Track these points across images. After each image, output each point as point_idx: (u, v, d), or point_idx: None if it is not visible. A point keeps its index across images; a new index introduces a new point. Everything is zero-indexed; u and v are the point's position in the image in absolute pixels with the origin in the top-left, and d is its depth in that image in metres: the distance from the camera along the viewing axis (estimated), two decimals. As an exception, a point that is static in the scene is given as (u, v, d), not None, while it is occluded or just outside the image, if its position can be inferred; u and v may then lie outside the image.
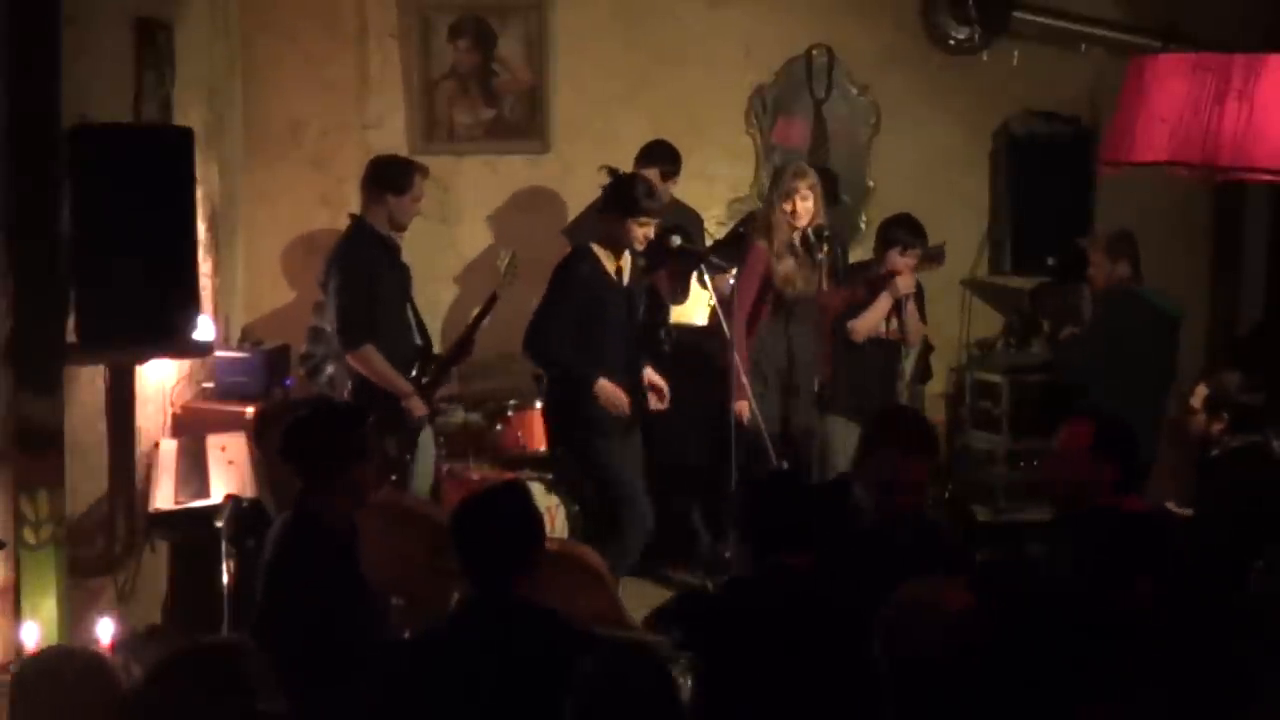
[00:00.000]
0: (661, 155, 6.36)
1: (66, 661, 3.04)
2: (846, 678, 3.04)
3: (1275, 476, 4.75)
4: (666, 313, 6.52)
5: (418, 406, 5.50)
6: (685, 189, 6.86)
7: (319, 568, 3.70)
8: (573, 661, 2.85)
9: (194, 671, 2.72)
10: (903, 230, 5.90)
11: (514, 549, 3.34)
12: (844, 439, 5.99)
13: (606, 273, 5.49)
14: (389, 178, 5.53)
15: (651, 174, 6.16)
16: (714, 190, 7.18)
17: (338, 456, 3.80)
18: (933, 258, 6.00)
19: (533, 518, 3.43)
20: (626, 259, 5.57)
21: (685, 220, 6.25)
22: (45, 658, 3.17)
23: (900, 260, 5.86)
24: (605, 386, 5.42)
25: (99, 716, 2.83)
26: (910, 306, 5.91)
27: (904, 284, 5.87)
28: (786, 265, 5.74)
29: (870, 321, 5.90)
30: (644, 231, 5.42)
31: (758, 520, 3.68)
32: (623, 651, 2.99)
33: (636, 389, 5.59)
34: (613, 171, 5.67)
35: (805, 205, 5.72)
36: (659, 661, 2.94)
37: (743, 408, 5.61)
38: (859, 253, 6.73)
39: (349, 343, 5.41)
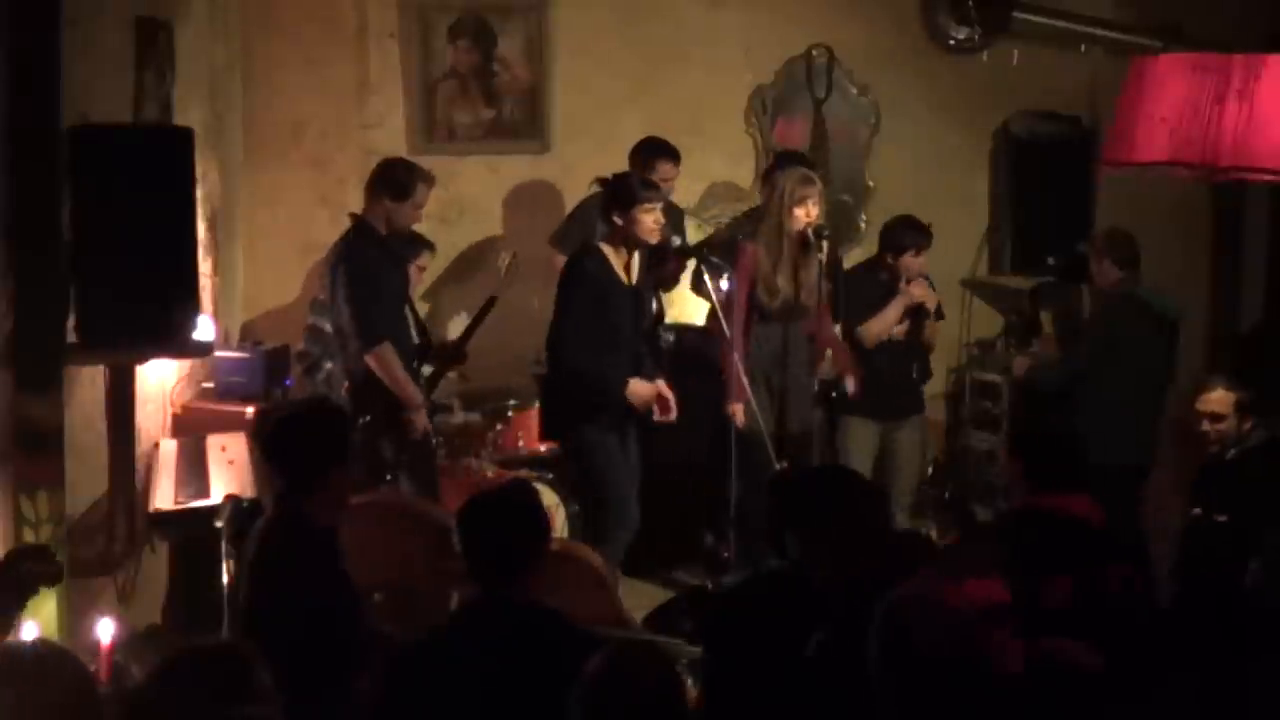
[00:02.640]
0: (659, 148, 6.33)
1: (30, 655, 3.02)
2: (856, 678, 3.02)
3: None
4: (662, 311, 6.52)
5: (422, 421, 5.46)
6: (686, 189, 6.86)
7: (300, 567, 3.69)
8: (575, 662, 2.85)
9: (195, 673, 2.71)
10: (911, 232, 5.92)
11: (520, 549, 3.34)
12: (860, 438, 5.99)
13: (614, 271, 5.48)
14: (389, 182, 5.51)
15: (666, 168, 6.15)
16: (714, 190, 7.18)
17: (317, 457, 3.80)
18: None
19: (540, 518, 3.43)
20: (635, 259, 5.56)
21: (670, 215, 6.23)
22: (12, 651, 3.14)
23: (916, 263, 5.89)
24: (636, 387, 5.41)
25: (67, 712, 2.81)
26: (931, 324, 5.99)
27: (919, 292, 5.90)
28: (781, 277, 5.71)
29: (881, 327, 5.93)
30: (652, 218, 5.40)
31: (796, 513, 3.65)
32: (629, 650, 2.99)
33: None
34: (603, 180, 5.66)
35: (814, 212, 5.70)
36: (665, 660, 2.94)
37: (736, 409, 5.60)
38: (858, 254, 6.73)
39: (367, 343, 5.36)
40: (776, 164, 6.43)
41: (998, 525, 4.36)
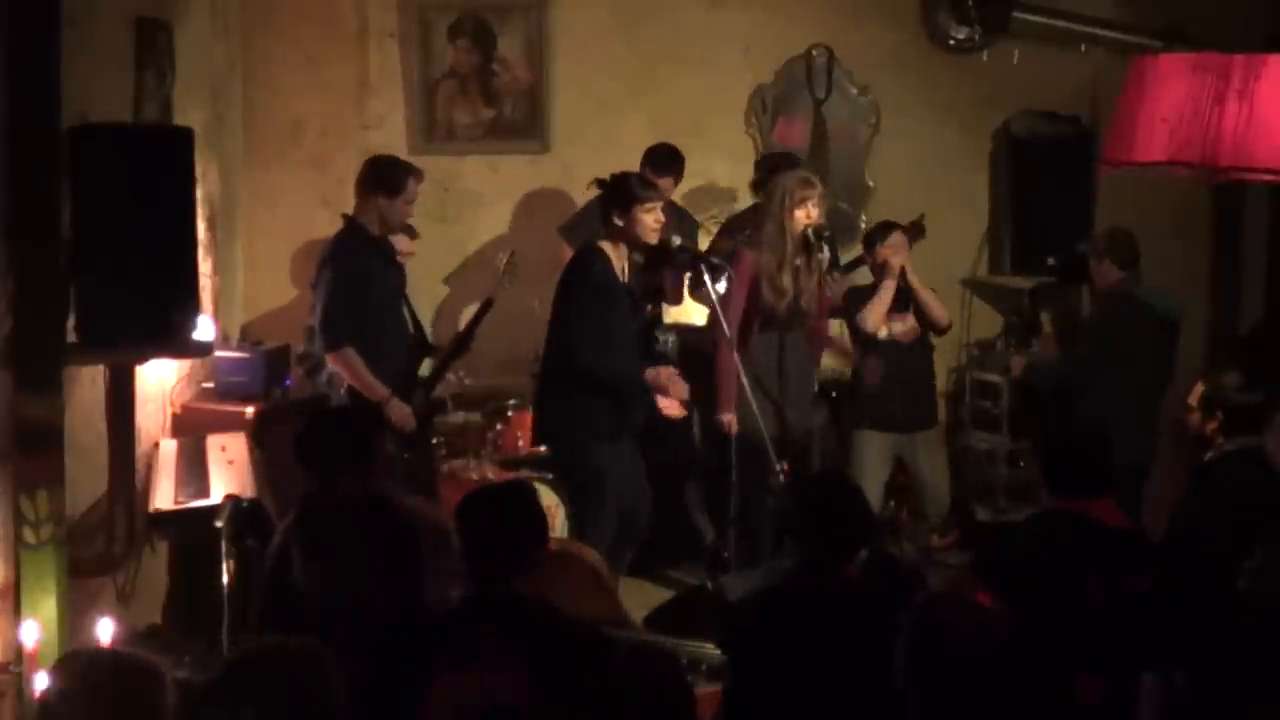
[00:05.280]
0: (668, 159, 6.34)
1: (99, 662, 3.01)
2: (885, 685, 2.99)
3: (1268, 481, 4.72)
4: (660, 314, 6.51)
5: (396, 410, 5.39)
6: (686, 189, 6.87)
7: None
8: (570, 658, 2.85)
9: (275, 674, 2.66)
10: (875, 230, 6.04)
11: (517, 547, 3.34)
12: (875, 453, 5.96)
13: (615, 272, 5.48)
14: (381, 178, 5.49)
15: (665, 182, 6.16)
16: (714, 190, 7.18)
17: (354, 459, 3.84)
18: (915, 230, 6.13)
19: (537, 517, 3.43)
20: (624, 258, 5.56)
21: (683, 223, 6.25)
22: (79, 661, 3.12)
23: (884, 248, 5.89)
24: (652, 373, 5.40)
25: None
26: (925, 293, 5.94)
27: (895, 261, 5.87)
28: (783, 279, 5.69)
29: (878, 310, 5.88)
30: (652, 217, 5.39)
31: (812, 523, 3.63)
32: (645, 652, 2.97)
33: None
34: (600, 181, 5.65)
35: (815, 214, 5.70)
36: (679, 664, 2.93)
37: (730, 420, 5.59)
38: (857, 252, 6.73)
39: (329, 344, 5.34)
40: (769, 166, 6.42)
41: (1022, 529, 4.30)
